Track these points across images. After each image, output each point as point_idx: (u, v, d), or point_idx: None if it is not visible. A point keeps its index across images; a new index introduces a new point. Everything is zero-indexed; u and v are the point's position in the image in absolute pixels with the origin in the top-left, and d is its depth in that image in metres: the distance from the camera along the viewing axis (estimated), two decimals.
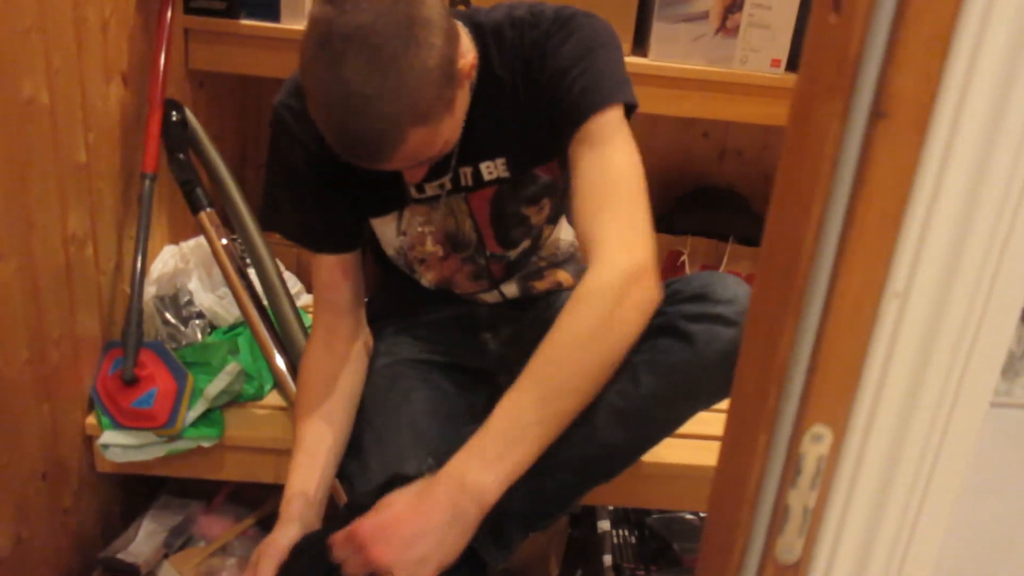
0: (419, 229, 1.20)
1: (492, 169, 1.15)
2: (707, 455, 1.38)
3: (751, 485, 0.51)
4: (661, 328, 0.98)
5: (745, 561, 0.53)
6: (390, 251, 1.24)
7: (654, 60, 1.58)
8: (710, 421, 1.04)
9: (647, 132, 1.96)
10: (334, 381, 1.15)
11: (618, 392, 0.98)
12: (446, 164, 1.13)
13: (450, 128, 1.00)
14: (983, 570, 0.53)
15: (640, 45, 1.62)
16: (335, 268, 1.17)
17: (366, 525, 0.90)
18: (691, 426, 1.41)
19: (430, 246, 1.21)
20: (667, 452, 1.34)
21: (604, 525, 1.63)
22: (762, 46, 1.58)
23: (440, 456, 0.98)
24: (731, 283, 0.99)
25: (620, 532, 1.63)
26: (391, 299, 1.35)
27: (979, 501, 0.51)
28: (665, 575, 1.47)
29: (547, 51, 1.06)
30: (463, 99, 1.03)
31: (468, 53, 1.02)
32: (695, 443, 1.34)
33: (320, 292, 1.19)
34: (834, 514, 0.50)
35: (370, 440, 1.13)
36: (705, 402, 1.02)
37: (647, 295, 0.96)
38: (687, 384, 0.98)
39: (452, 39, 0.95)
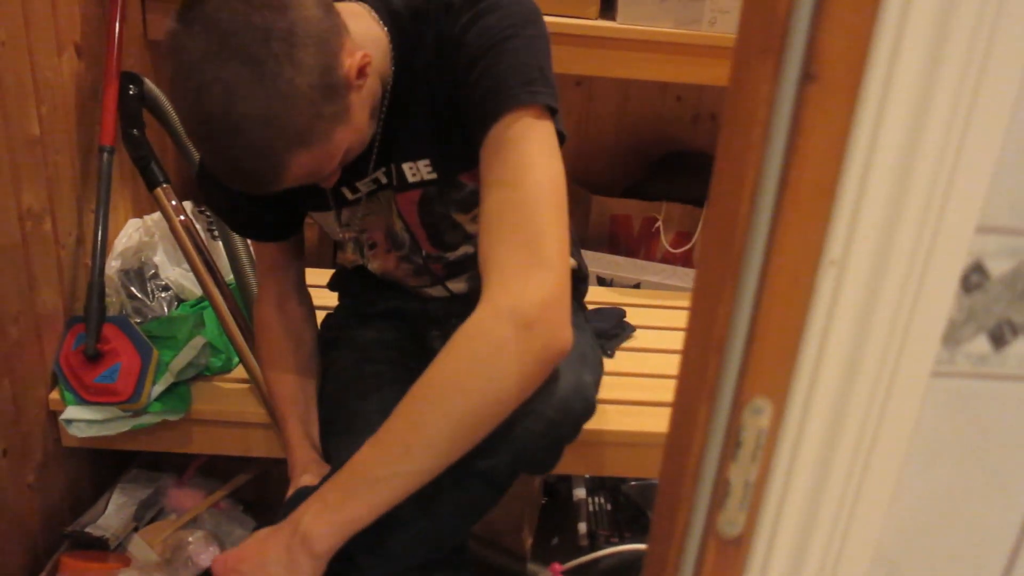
0: (363, 217, 1.13)
1: (415, 171, 1.04)
2: None
3: (692, 459, 0.50)
4: None
5: (688, 535, 0.52)
6: (337, 238, 1.20)
7: (622, 23, 1.55)
8: None
9: (619, 97, 1.94)
10: (298, 336, 1.19)
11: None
12: (364, 166, 1.04)
13: (350, 137, 0.91)
14: (925, 541, 0.52)
15: (608, 8, 1.59)
16: (278, 251, 1.18)
17: (227, 557, 0.96)
18: (661, 393, 1.41)
19: (375, 233, 1.16)
20: (636, 421, 1.34)
21: (580, 493, 1.63)
22: (731, 7, 1.55)
23: None
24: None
25: (596, 499, 1.62)
26: (348, 278, 1.32)
27: (921, 473, 0.50)
28: (638, 541, 1.47)
29: (460, 41, 0.93)
30: (362, 101, 0.91)
31: (356, 52, 0.88)
32: (664, 411, 1.34)
33: (265, 270, 1.20)
34: (775, 488, 0.49)
35: (341, 427, 1.12)
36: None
37: (537, 342, 0.83)
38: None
39: (328, 44, 0.84)
